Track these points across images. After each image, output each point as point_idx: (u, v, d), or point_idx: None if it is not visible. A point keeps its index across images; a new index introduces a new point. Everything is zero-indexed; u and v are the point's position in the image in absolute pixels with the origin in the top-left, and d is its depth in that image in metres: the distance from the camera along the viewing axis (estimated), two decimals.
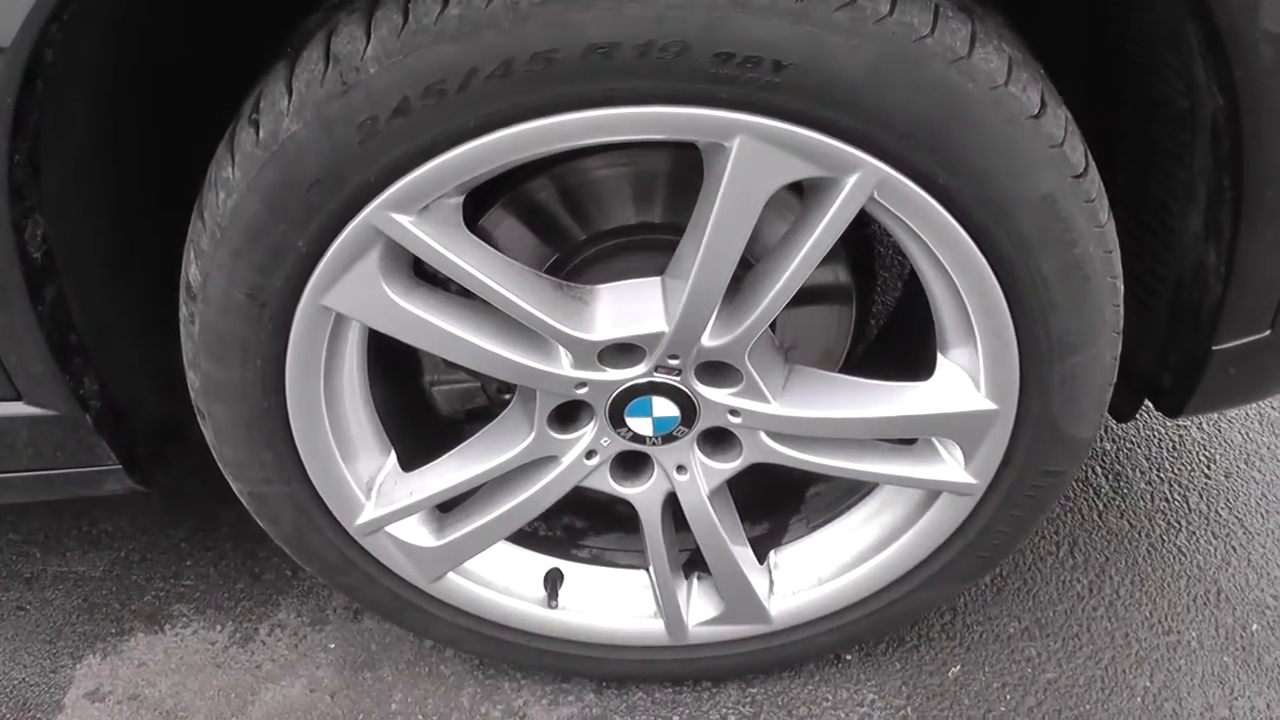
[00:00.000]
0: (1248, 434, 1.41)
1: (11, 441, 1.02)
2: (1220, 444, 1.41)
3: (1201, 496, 1.34)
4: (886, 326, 1.37)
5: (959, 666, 1.19)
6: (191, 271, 0.85)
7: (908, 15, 0.74)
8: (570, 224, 0.99)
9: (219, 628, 1.33)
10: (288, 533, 1.03)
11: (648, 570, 1.13)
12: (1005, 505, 1.02)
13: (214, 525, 1.45)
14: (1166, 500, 1.35)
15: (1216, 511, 1.32)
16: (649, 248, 0.98)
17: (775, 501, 1.16)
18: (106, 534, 1.47)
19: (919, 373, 1.01)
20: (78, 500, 1.22)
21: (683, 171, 0.98)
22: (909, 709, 1.16)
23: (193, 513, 1.46)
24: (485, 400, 1.07)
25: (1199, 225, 0.96)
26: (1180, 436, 1.43)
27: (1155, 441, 1.43)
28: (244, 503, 1.02)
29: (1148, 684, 1.15)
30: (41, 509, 1.51)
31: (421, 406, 1.09)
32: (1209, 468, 1.38)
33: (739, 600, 1.10)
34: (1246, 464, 1.37)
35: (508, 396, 1.06)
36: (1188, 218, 0.97)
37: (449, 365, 1.04)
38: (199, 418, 0.96)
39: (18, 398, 0.98)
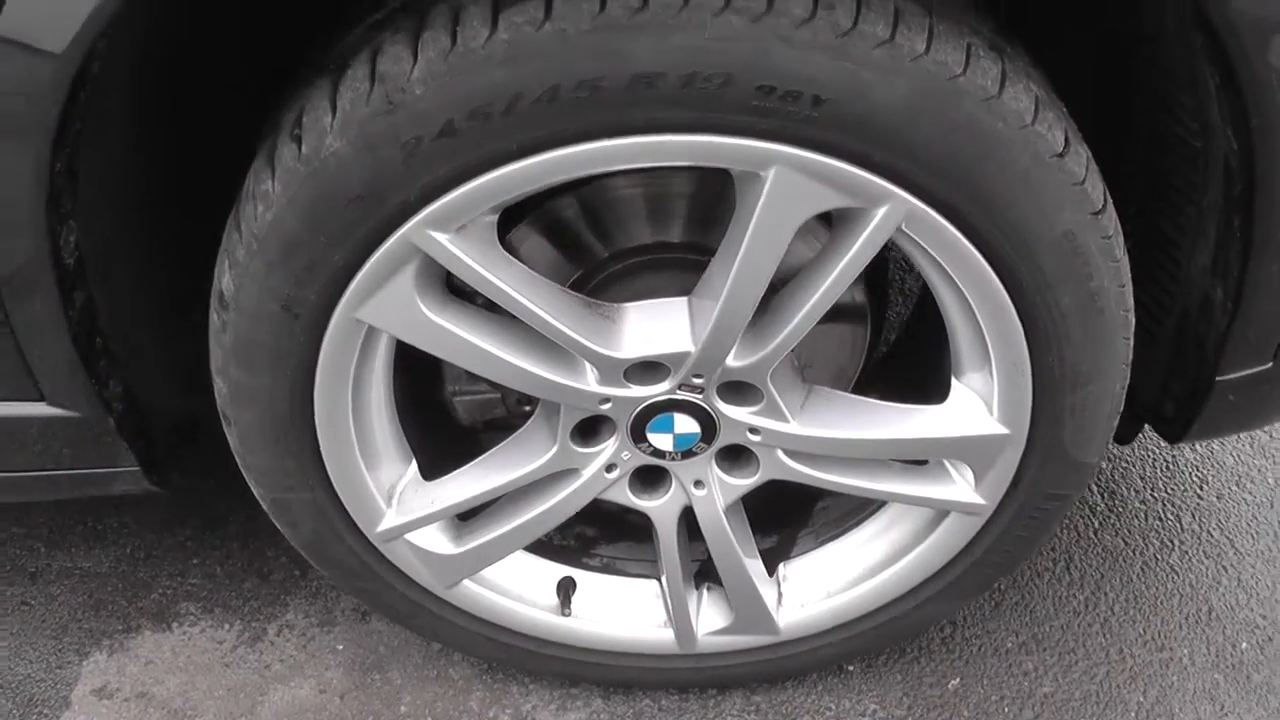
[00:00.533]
0: (1239, 457, 1.45)
1: (33, 441, 1.02)
2: (1212, 466, 1.45)
3: (1194, 517, 1.38)
4: (893, 346, 1.39)
5: (958, 679, 1.22)
6: (225, 281, 0.86)
7: (942, 54, 0.77)
8: (593, 242, 1.01)
9: (227, 627, 1.33)
10: (307, 538, 1.04)
11: (659, 580, 1.15)
12: (1012, 525, 1.05)
13: (221, 524, 1.45)
14: (1160, 520, 1.39)
15: (1208, 532, 1.36)
16: (669, 266, 1.00)
17: (784, 515, 1.18)
18: (112, 530, 1.47)
19: (927, 392, 1.04)
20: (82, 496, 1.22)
21: (703, 192, 0.99)
22: (910, 719, 1.18)
23: (199, 511, 1.46)
24: (504, 411, 1.08)
25: (1207, 260, 0.98)
26: (1174, 457, 1.46)
27: (1149, 462, 1.46)
28: (265, 508, 1.03)
29: (1141, 699, 1.18)
30: (45, 504, 1.50)
31: (439, 415, 1.10)
32: (1201, 489, 1.42)
33: (749, 611, 1.12)
34: (1238, 486, 1.41)
35: (527, 408, 1.08)
36: (1196, 252, 1.00)
37: (470, 376, 1.05)
38: (224, 424, 0.97)
39: (41, 399, 0.99)
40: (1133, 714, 1.17)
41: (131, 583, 1.40)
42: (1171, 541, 1.36)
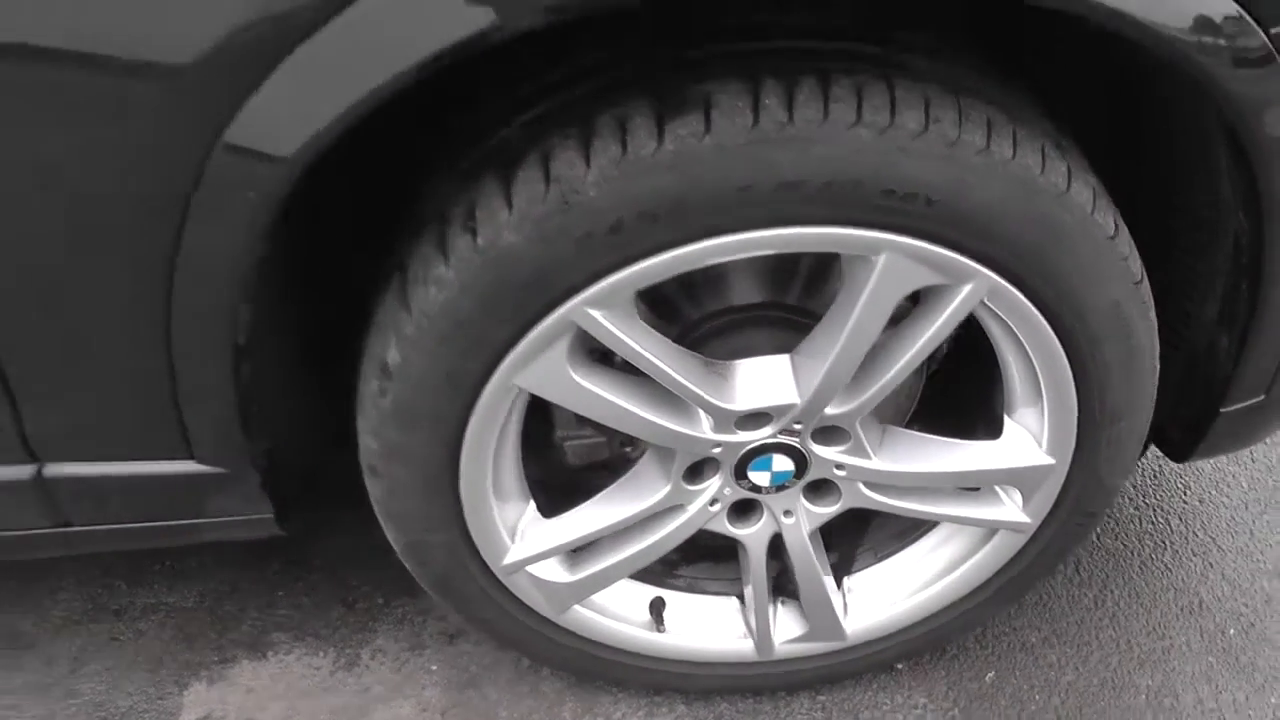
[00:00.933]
0: (1216, 464, 1.65)
1: (177, 495, 1.09)
2: (1193, 473, 1.65)
3: (1181, 519, 1.58)
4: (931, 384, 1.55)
5: (993, 672, 1.39)
6: (390, 354, 0.95)
7: (1025, 157, 0.91)
8: (685, 304, 1.13)
9: (321, 654, 1.41)
10: (436, 574, 1.14)
11: (739, 597, 1.29)
12: (1052, 540, 1.22)
13: (302, 558, 1.52)
14: (1152, 523, 1.58)
15: (1194, 532, 1.56)
16: (759, 324, 1.12)
17: (844, 533, 1.33)
18: (191, 568, 1.52)
19: (970, 423, 1.20)
20: None
21: (784, 260, 1.11)
22: (956, 710, 1.34)
23: (280, 547, 1.53)
24: (608, 453, 1.19)
25: (1214, 313, 1.16)
26: (1159, 467, 1.66)
27: (1139, 472, 1.66)
28: (398, 549, 1.13)
29: (1149, 682, 1.37)
30: None
31: (546, 457, 1.20)
32: (1185, 494, 1.62)
33: (821, 621, 1.26)
34: (1216, 490, 1.62)
35: (627, 449, 1.20)
36: (1204, 305, 1.17)
37: (579, 422, 1.16)
38: (370, 476, 1.06)
39: (189, 457, 1.06)
40: (1143, 696, 1.36)
41: (219, 616, 1.47)
42: (1164, 542, 1.55)
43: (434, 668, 1.40)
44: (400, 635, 1.44)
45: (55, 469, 1.08)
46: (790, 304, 1.12)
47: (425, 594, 1.45)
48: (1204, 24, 0.87)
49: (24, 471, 1.07)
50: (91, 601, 1.49)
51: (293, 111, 0.77)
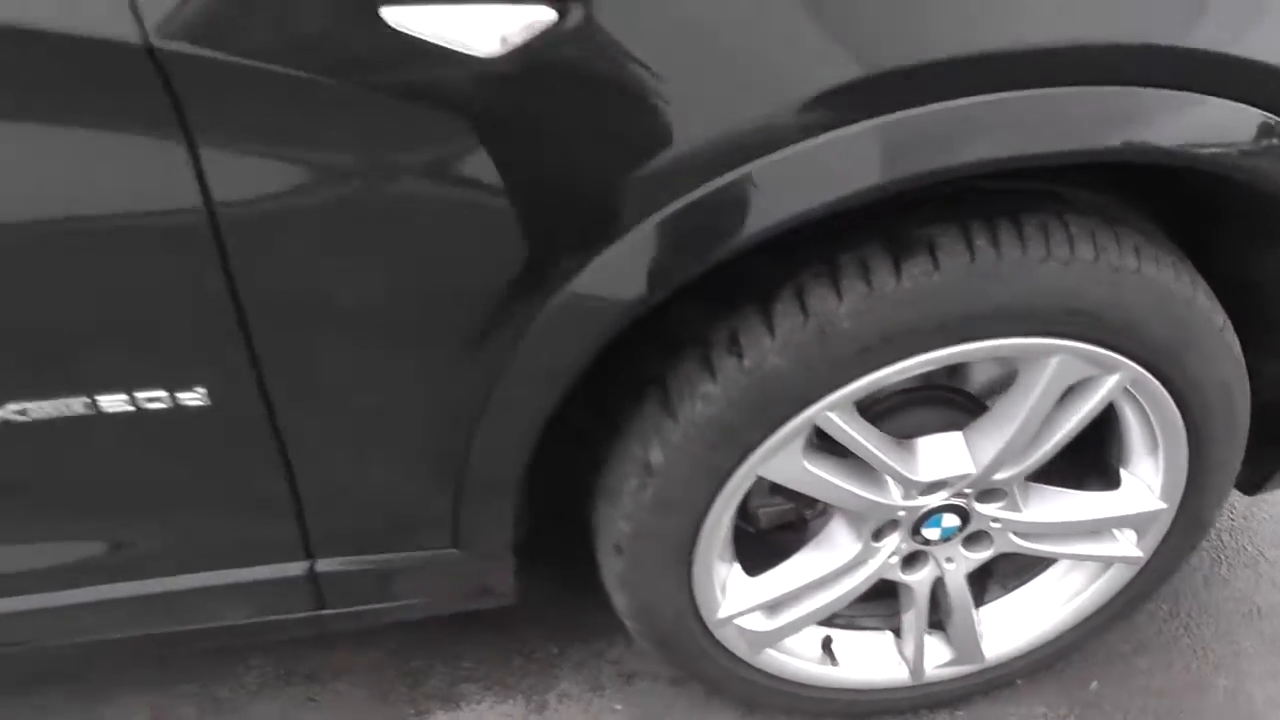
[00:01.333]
0: None
1: (437, 577, 1.25)
2: (1233, 493, 1.91)
3: (1231, 535, 1.84)
4: None
5: (1096, 682, 1.61)
6: (653, 455, 1.13)
7: (1164, 274, 1.13)
8: None
9: (511, 701, 1.56)
10: (662, 630, 1.32)
11: (893, 630, 1.49)
12: (1157, 568, 1.45)
13: (470, 618, 1.66)
14: (1207, 540, 1.83)
15: (1243, 546, 1.82)
16: (918, 405, 1.31)
17: (975, 572, 1.54)
18: (370, 632, 1.65)
19: (1084, 476, 1.42)
20: None
21: None
22: (1072, 717, 1.57)
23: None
24: (794, 517, 1.38)
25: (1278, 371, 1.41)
26: None
27: None
28: (625, 611, 1.30)
29: (1225, 683, 1.61)
30: None
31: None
32: (1231, 511, 1.88)
33: (966, 647, 1.47)
34: (1257, 507, 1.88)
35: (807, 513, 1.39)
36: (1267, 363, 1.42)
37: (772, 491, 1.35)
38: (613, 553, 1.23)
39: (453, 547, 1.21)
40: (1221, 696, 1.59)
41: (406, 673, 1.61)
42: (1219, 557, 1.81)
43: (618, 707, 1.56)
44: (580, 679, 1.60)
45: (326, 564, 1.23)
46: (940, 385, 1.33)
47: (596, 640, 1.64)
48: (1254, 135, 1.04)
49: (299, 568, 1.22)
50: (283, 667, 1.61)
51: (641, 268, 0.95)
